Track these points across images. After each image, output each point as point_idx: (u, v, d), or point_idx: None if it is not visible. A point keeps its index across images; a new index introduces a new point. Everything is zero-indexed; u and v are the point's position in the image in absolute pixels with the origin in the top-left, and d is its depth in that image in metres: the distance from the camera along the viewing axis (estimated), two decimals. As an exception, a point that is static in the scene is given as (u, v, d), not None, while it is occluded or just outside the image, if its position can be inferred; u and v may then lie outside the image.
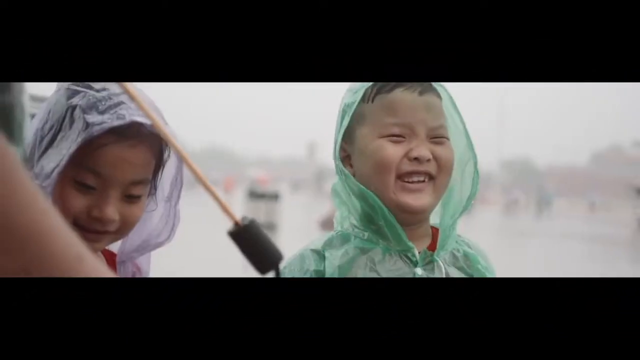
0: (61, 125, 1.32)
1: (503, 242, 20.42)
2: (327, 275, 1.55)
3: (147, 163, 1.38)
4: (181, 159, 1.43)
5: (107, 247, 1.49)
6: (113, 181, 1.34)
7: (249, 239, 0.97)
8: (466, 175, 1.65)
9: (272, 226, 19.57)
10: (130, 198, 1.38)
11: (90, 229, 1.34)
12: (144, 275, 1.53)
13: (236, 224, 0.96)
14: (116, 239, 1.43)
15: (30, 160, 1.29)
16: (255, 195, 22.30)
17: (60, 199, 1.30)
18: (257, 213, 20.31)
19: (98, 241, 1.37)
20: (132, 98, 0.94)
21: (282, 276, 1.00)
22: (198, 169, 0.93)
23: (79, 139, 1.29)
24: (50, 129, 1.33)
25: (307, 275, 1.55)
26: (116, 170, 1.33)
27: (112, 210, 1.34)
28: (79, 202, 1.32)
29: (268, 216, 20.59)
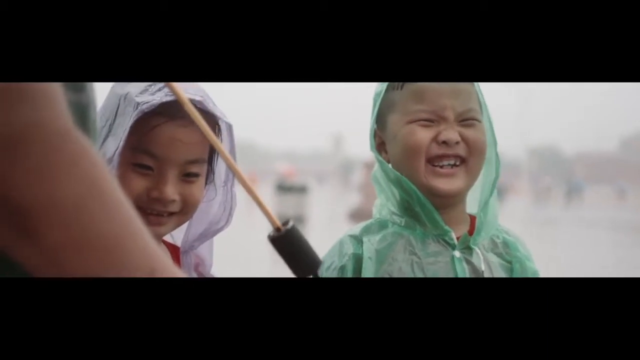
0: (116, 113, 1.37)
1: (533, 231, 20.19)
2: (365, 259, 1.57)
3: (200, 142, 1.39)
4: (230, 149, 1.45)
5: (171, 242, 1.52)
6: (169, 161, 1.37)
7: (290, 244, 0.96)
8: (492, 158, 1.66)
9: (301, 219, 19.37)
10: (189, 177, 1.40)
11: (152, 210, 1.37)
12: (207, 266, 1.55)
13: (277, 229, 0.95)
14: (180, 222, 1.44)
15: None
16: (284, 188, 22.22)
17: (120, 184, 1.33)
18: (286, 206, 20.20)
19: (162, 224, 1.39)
20: (180, 100, 0.96)
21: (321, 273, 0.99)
22: (240, 171, 0.94)
23: (132, 119, 1.33)
24: (107, 119, 1.37)
25: (345, 259, 1.58)
26: (170, 150, 1.36)
27: (171, 190, 1.37)
28: (138, 184, 1.36)
29: (297, 209, 20.48)
